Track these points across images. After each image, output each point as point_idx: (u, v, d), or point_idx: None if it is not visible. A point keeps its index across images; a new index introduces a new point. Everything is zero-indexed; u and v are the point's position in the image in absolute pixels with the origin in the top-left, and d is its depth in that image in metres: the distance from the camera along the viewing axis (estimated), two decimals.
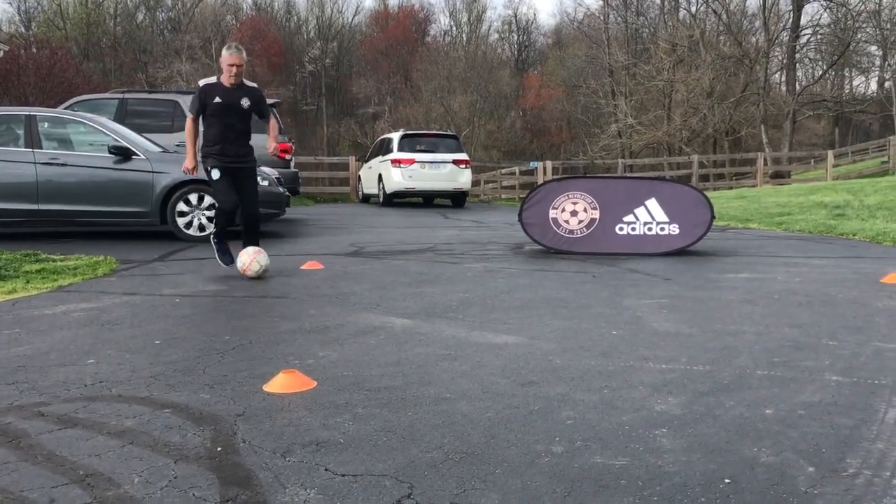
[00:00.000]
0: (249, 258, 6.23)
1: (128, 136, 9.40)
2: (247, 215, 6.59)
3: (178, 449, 2.59)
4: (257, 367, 3.60)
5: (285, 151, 13.09)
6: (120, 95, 13.25)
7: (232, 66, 6.27)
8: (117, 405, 3.05)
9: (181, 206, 8.95)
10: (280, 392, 3.19)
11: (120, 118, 11.82)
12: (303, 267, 6.85)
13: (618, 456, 2.50)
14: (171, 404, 3.06)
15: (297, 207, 15.78)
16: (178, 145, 11.28)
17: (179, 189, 8.90)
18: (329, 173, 22.66)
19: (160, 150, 9.62)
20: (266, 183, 9.45)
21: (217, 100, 6.30)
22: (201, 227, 9.10)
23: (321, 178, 22.37)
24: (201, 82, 6.64)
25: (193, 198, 9.00)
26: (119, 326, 4.46)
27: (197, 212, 9.08)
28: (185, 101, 12.14)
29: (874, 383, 3.24)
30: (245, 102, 6.44)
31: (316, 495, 2.23)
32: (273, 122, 6.85)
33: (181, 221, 8.98)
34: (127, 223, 9.18)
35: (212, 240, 6.73)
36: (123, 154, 8.84)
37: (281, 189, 9.91)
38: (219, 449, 2.59)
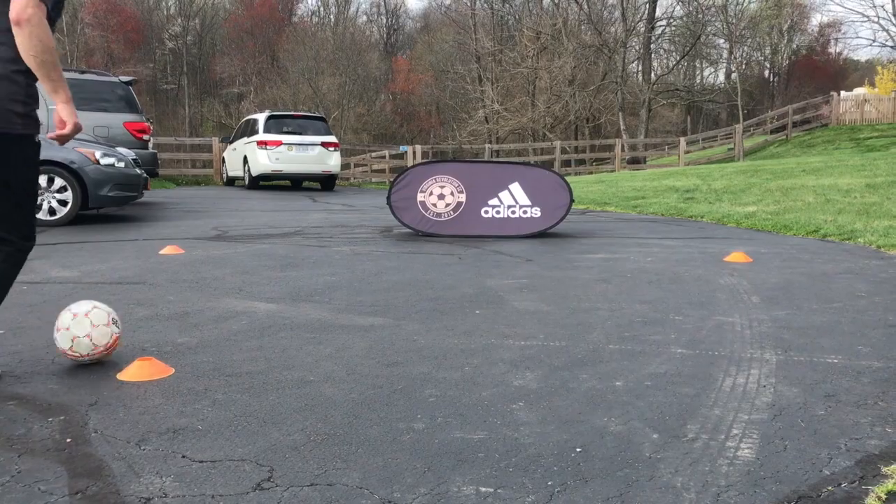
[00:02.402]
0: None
1: None
2: None
3: (23, 442, 2.46)
4: (112, 355, 3.45)
5: (143, 131, 12.55)
6: None
7: None
8: None
9: None
10: (136, 380, 3.08)
11: None
12: (161, 252, 6.60)
13: (477, 430, 2.57)
14: (15, 396, 2.89)
15: (157, 190, 15.16)
16: None
17: None
18: (191, 155, 21.85)
19: None
20: (122, 164, 9.04)
21: None
22: (51, 211, 8.61)
23: (183, 159, 21.56)
24: None
25: (42, 180, 8.49)
26: None
27: (47, 194, 8.58)
28: None
29: (714, 354, 3.48)
30: None
31: (172, 483, 2.18)
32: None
33: None
34: None
35: None
36: None
37: (138, 171, 9.49)
38: (68, 440, 2.48)
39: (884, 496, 2.09)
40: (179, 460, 2.33)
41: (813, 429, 2.57)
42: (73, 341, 3.22)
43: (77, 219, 8.76)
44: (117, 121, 12.25)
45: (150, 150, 12.92)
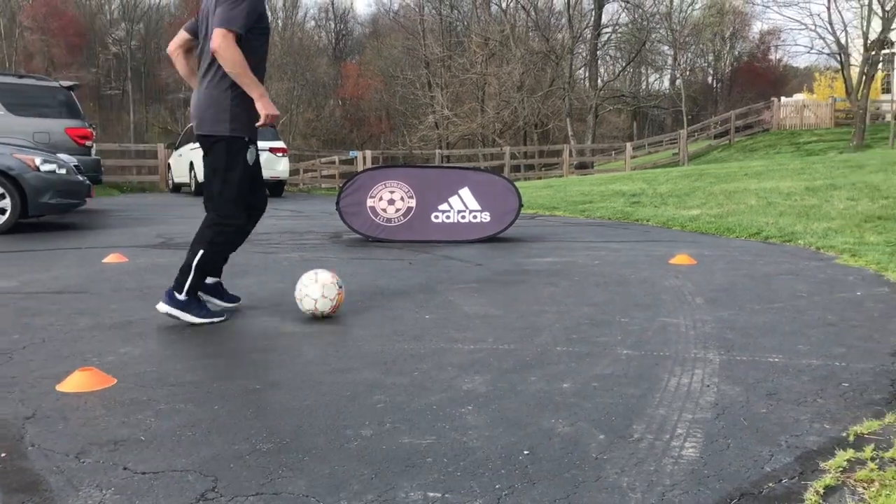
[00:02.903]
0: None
1: None
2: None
3: None
4: (51, 366, 3.36)
5: (85, 137, 12.28)
6: None
7: None
8: None
9: None
10: (76, 391, 3.00)
11: None
12: (105, 260, 6.46)
13: (425, 435, 2.57)
14: None
15: (101, 198, 14.84)
16: None
17: None
18: (136, 161, 21.47)
19: None
20: (63, 171, 8.83)
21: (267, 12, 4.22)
22: None
23: (127, 166, 21.16)
24: None
25: None
26: None
27: None
28: None
29: (659, 355, 3.53)
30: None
31: (113, 496, 2.12)
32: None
33: None
34: None
35: (183, 294, 4.15)
36: None
37: (80, 177, 9.28)
38: (3, 455, 2.41)
39: (822, 490, 2.14)
40: (121, 472, 2.28)
41: (755, 427, 2.63)
42: (315, 303, 4.22)
43: (16, 227, 8.51)
44: (58, 127, 11.97)
45: (93, 156, 12.65)
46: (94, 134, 13.46)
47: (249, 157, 4.19)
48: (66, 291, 5.15)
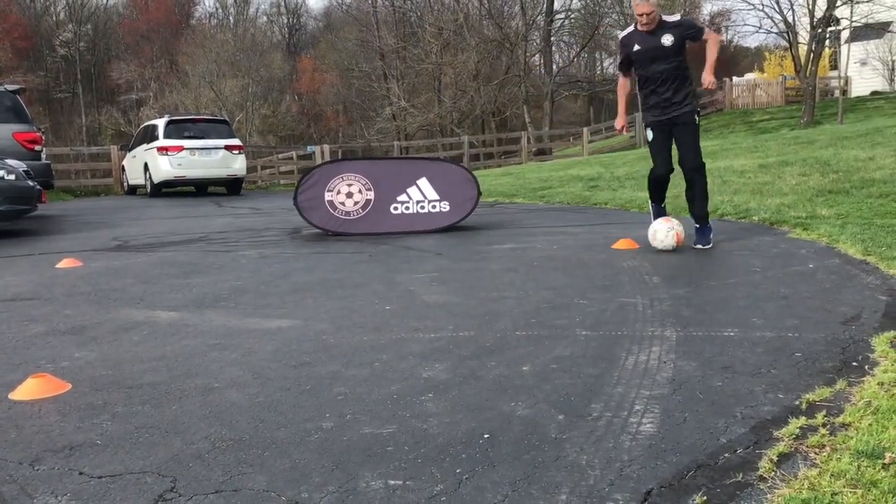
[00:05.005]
0: (663, 232, 5.86)
1: None
2: (686, 171, 6.00)
3: None
4: (2, 374, 3.30)
5: (34, 142, 12.01)
6: None
7: (641, 15, 5.83)
8: None
9: None
10: (29, 399, 2.95)
11: None
12: (58, 266, 6.33)
13: (386, 424, 2.57)
14: None
15: (54, 203, 14.54)
16: None
17: None
18: (89, 165, 21.02)
19: None
20: (13, 177, 8.63)
21: (636, 48, 5.95)
22: None
23: (80, 170, 20.73)
24: (619, 34, 6.39)
25: None
26: None
27: None
28: None
29: (617, 335, 3.57)
30: (667, 40, 5.85)
31: (69, 501, 2.09)
32: (712, 39, 6.11)
33: None
34: None
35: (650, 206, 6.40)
36: None
37: (30, 183, 9.08)
38: None
39: (775, 458, 2.18)
40: (76, 477, 2.24)
41: (710, 400, 2.67)
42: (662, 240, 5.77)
43: None
44: (6, 131, 11.68)
45: (44, 161, 12.38)
46: (44, 138, 13.18)
47: (647, 135, 6.17)
48: (17, 298, 5.04)
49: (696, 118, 6.03)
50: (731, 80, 35.29)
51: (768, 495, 1.99)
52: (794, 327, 3.53)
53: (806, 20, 26.37)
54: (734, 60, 59.62)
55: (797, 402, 2.60)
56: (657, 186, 6.25)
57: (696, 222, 6.06)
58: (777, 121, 27.58)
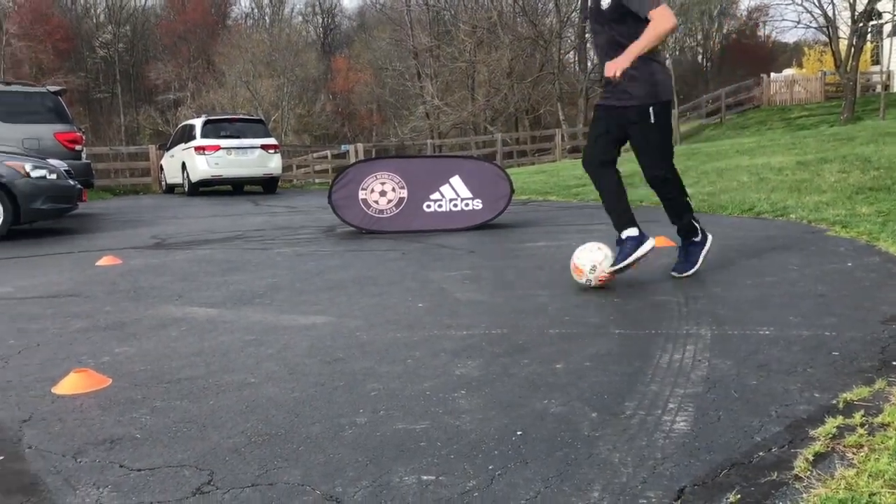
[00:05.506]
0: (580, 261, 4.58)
1: None
2: (647, 181, 4.73)
3: None
4: (46, 369, 3.37)
5: (74, 142, 12.25)
6: None
7: None
8: None
9: None
10: (71, 393, 3.02)
11: None
12: (98, 263, 6.46)
13: (419, 420, 2.58)
14: None
15: (94, 202, 14.82)
16: None
17: None
18: (128, 164, 21.39)
19: None
20: (54, 176, 8.82)
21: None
22: None
23: (119, 169, 21.08)
24: None
25: None
26: None
27: None
28: None
29: (652, 333, 3.55)
30: (605, 0, 4.40)
31: (109, 493, 2.14)
32: (653, 25, 4.24)
33: None
34: None
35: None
36: None
37: (71, 182, 9.27)
38: (1, 458, 2.42)
39: (811, 457, 2.16)
40: (117, 470, 2.30)
41: (745, 398, 2.65)
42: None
43: (9, 234, 8.51)
44: (47, 132, 11.93)
45: (84, 160, 12.63)
46: (84, 138, 13.44)
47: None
48: (60, 295, 5.16)
49: (652, 116, 4.42)
50: (769, 76, 34.79)
51: (804, 495, 1.97)
52: (832, 326, 3.48)
53: (847, 14, 25.88)
54: (772, 56, 58.75)
55: (834, 402, 2.57)
56: (597, 189, 4.76)
57: (679, 234, 4.84)
58: (816, 117, 27.14)
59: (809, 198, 8.10)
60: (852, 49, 25.54)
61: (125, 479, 2.23)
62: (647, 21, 4.24)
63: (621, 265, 4.49)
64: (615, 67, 4.22)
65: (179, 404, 2.85)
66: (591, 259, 4.51)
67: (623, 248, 4.53)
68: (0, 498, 2.14)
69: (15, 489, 2.20)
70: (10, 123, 11.70)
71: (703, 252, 4.76)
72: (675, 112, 29.09)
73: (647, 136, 4.50)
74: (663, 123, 4.54)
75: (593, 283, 4.51)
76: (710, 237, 4.83)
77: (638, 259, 4.53)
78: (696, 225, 4.78)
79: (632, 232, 4.56)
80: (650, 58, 4.37)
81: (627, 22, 4.32)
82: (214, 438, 2.50)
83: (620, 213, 4.64)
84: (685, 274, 4.69)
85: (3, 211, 8.36)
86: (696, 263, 4.73)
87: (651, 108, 4.42)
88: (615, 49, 4.33)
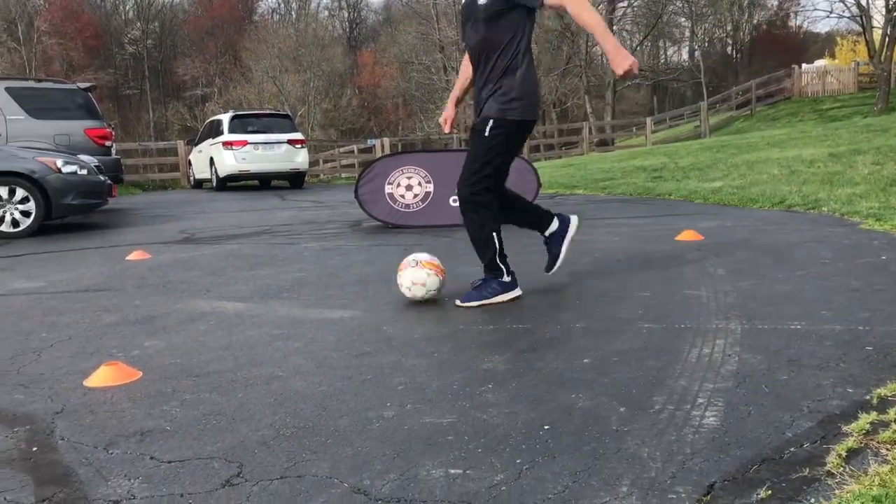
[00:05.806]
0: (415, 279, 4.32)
1: None
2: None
3: None
4: (78, 362, 3.42)
5: (104, 138, 12.41)
6: None
7: None
8: None
9: None
10: (102, 386, 3.06)
11: None
12: (128, 258, 6.54)
13: (446, 414, 2.58)
14: None
15: (123, 197, 15.00)
16: None
17: None
18: (157, 159, 21.65)
19: None
20: (85, 172, 8.94)
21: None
22: (14, 223, 8.50)
23: (148, 164, 21.35)
24: None
25: (3, 191, 8.38)
26: None
27: (9, 206, 8.46)
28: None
29: (680, 327, 3.52)
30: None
31: (140, 484, 2.17)
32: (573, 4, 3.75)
33: None
34: None
35: None
36: None
37: (102, 177, 9.39)
38: (34, 449, 2.46)
39: (844, 453, 2.12)
40: (148, 462, 2.32)
41: (776, 393, 2.61)
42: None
43: (41, 229, 8.65)
44: (78, 128, 12.10)
45: (114, 156, 12.79)
46: (114, 134, 13.60)
47: None
48: (90, 289, 5.22)
49: (491, 127, 3.95)
50: (800, 67, 34.30)
51: (836, 491, 1.94)
52: (865, 320, 3.43)
53: (881, 3, 25.43)
54: (803, 46, 57.93)
55: (867, 397, 2.53)
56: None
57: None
58: (849, 108, 26.71)
59: (842, 190, 7.98)
60: (886, 39, 25.08)
61: (156, 471, 2.25)
62: (547, 9, 3.95)
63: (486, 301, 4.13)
64: (627, 62, 3.61)
65: (209, 397, 2.87)
66: (412, 277, 4.27)
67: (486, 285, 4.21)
68: (35, 488, 2.17)
69: (48, 480, 2.23)
70: (42, 120, 11.87)
71: (500, 297, 4.18)
72: (703, 105, 28.77)
73: (478, 146, 4.02)
74: (496, 144, 3.98)
75: (427, 284, 4.24)
76: (518, 290, 4.26)
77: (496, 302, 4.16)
78: (503, 268, 4.26)
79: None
80: (513, 70, 3.91)
81: (511, 24, 3.87)
82: (243, 431, 2.52)
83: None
84: (466, 304, 4.13)
85: (36, 206, 8.49)
86: (482, 299, 4.15)
87: (491, 121, 3.96)
88: (497, 54, 3.91)
